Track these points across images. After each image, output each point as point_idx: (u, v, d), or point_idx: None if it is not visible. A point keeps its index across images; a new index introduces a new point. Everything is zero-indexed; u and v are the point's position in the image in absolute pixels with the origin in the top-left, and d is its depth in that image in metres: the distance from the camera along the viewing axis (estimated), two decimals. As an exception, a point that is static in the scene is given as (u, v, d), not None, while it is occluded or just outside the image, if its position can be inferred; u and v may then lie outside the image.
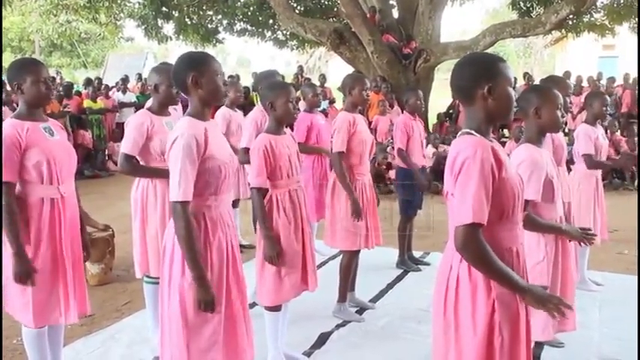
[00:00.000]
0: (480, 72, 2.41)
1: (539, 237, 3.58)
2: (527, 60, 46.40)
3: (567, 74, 17.56)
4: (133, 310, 5.34)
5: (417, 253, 6.83)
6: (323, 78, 16.71)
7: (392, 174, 10.09)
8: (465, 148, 2.34)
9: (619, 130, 13.18)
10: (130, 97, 16.31)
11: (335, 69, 33.44)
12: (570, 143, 9.51)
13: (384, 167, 11.16)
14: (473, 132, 2.41)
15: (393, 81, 14.22)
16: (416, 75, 14.41)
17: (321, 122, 6.54)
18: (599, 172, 5.72)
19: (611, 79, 16.57)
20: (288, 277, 4.06)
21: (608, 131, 12.60)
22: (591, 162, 5.49)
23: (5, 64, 19.79)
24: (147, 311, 4.64)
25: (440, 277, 2.55)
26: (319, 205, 6.30)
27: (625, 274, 6.39)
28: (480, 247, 2.30)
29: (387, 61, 14.35)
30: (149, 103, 4.44)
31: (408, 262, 6.60)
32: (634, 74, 16.65)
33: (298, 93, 6.61)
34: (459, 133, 2.47)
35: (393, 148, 6.95)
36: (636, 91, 15.16)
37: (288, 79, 19.13)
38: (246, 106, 10.40)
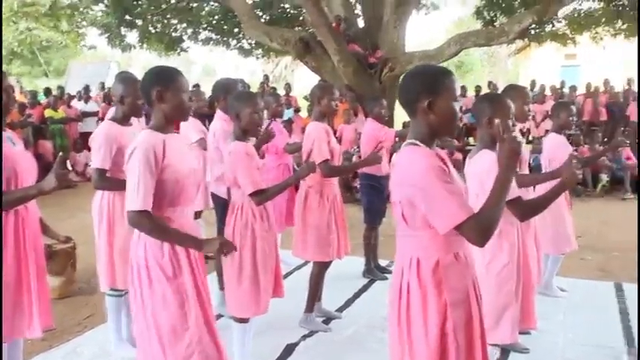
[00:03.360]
0: (421, 86, 2.43)
1: (501, 241, 3.63)
2: (491, 69, 46.95)
3: (533, 83, 17.88)
4: (95, 324, 5.26)
5: (383, 262, 6.84)
6: (288, 87, 16.71)
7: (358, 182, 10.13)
8: (413, 159, 2.38)
9: (582, 139, 13.40)
10: (93, 106, 16.11)
11: (301, 78, 33.55)
12: (536, 151, 9.67)
13: (351, 176, 11.19)
14: (418, 142, 2.45)
15: (358, 90, 14.24)
16: (382, 84, 14.43)
17: (284, 131, 6.60)
18: None
19: (573, 88, 16.88)
20: (265, 288, 4.08)
21: (573, 142, 12.82)
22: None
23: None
24: (109, 325, 4.59)
25: (393, 284, 2.59)
26: (286, 214, 6.31)
27: (588, 279, 6.49)
28: (493, 227, 2.30)
29: (353, 70, 14.37)
30: (111, 113, 4.41)
31: (375, 271, 6.62)
32: (595, 83, 16.99)
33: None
34: (404, 143, 2.51)
35: (359, 156, 6.98)
36: (594, 101, 15.48)
37: (254, 88, 19.10)
38: (210, 116, 10.34)
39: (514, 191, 3.27)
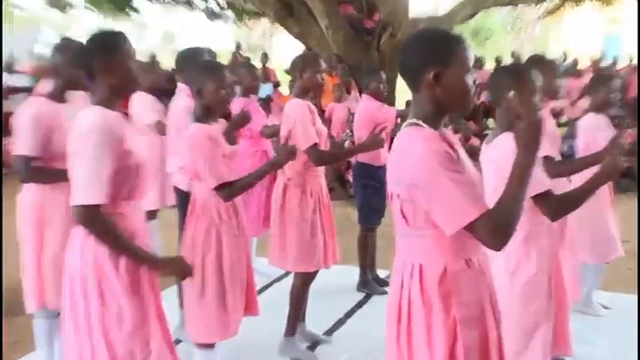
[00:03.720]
0: (427, 53, 2.44)
1: (528, 246, 3.62)
2: (516, 36, 47.18)
3: (565, 54, 17.93)
4: (22, 353, 5.20)
5: (382, 272, 6.82)
6: (265, 57, 16.71)
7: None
8: (414, 142, 2.38)
9: (627, 120, 13.46)
10: (21, 79, 15.98)
11: (281, 46, 33.48)
12: (569, 136, 9.68)
13: (344, 167, 11.19)
14: (420, 122, 2.46)
15: (351, 61, 14.27)
16: (380, 54, 14.47)
17: (260, 111, 6.57)
18: None
19: (615, 59, 17.00)
20: (234, 306, 4.08)
21: (616, 124, 12.86)
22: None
23: None
24: (39, 353, 4.54)
25: (391, 298, 2.60)
26: (264, 214, 6.28)
27: (637, 294, 6.48)
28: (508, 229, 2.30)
29: (345, 36, 14.40)
30: (43, 87, 4.37)
31: (372, 284, 6.61)
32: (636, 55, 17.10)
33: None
34: (405, 123, 2.52)
35: (353, 142, 6.96)
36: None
37: (224, 59, 18.97)
38: (170, 92, 10.29)
39: (543, 183, 3.27)
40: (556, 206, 3.31)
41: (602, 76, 6.19)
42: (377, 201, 6.54)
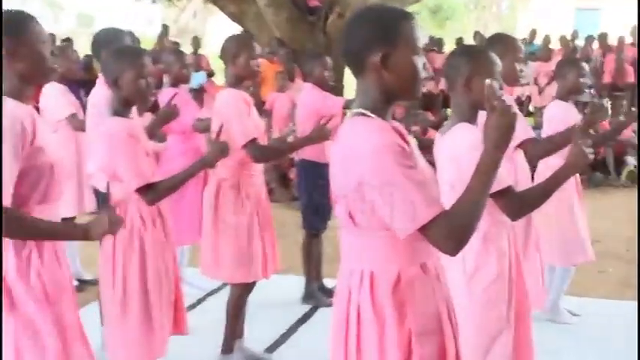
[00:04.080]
0: (372, 33, 2.45)
1: (487, 247, 3.65)
2: (479, 15, 47.45)
3: (533, 33, 18.12)
4: None
5: (330, 282, 6.85)
6: (197, 42, 16.61)
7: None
8: (361, 135, 2.39)
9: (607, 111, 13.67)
10: None
11: (216, 29, 33.33)
12: (537, 127, 9.83)
13: (286, 165, 11.22)
14: (367, 112, 2.47)
15: (295, 45, 14.22)
16: (326, 36, 14.45)
17: (192, 102, 6.56)
18: None
19: (590, 39, 17.23)
20: (161, 323, 4.05)
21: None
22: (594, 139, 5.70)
23: None
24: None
25: (336, 309, 2.60)
26: (194, 221, 6.26)
27: (609, 299, 6.66)
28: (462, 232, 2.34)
29: (287, 17, 14.33)
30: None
31: (318, 295, 6.64)
32: (620, 32, 17.30)
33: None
34: (349, 114, 2.53)
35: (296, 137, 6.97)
36: (617, 56, 15.78)
37: (149, 44, 18.87)
38: (87, 82, 10.23)
39: (504, 179, 3.27)
40: (517, 204, 3.34)
41: (569, 59, 6.33)
42: (323, 202, 6.49)
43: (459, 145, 3.46)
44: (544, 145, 4.62)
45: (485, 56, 3.62)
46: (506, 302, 3.67)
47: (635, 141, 12.48)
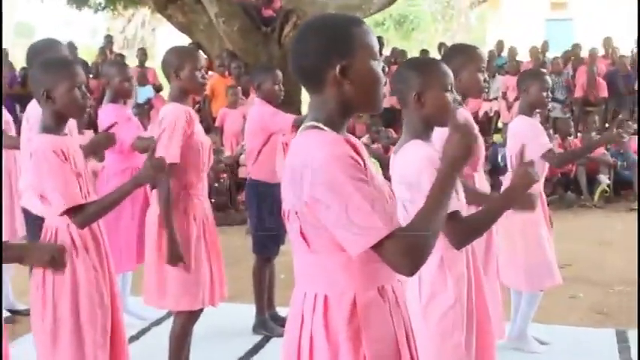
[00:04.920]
0: (326, 46, 2.46)
1: (443, 272, 3.65)
2: (447, 25, 47.78)
3: (500, 45, 18.29)
4: None
5: (283, 311, 6.82)
6: (143, 54, 16.52)
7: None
8: (313, 148, 2.40)
9: (572, 126, 13.75)
10: None
11: (165, 41, 33.23)
12: (505, 144, 9.93)
13: (231, 184, 11.25)
14: (320, 125, 2.47)
15: (248, 57, 14.22)
16: (282, 48, 14.48)
17: (133, 119, 6.57)
18: (541, 185, 5.90)
19: (567, 54, 17.48)
20: (97, 356, 4.01)
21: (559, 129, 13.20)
22: (560, 157, 5.73)
23: None
24: None
25: (289, 337, 2.60)
26: (137, 246, 6.22)
27: (581, 326, 6.68)
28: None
29: (239, 28, 14.33)
30: None
31: (270, 324, 6.61)
32: (592, 43, 17.53)
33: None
34: (301, 127, 2.53)
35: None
36: (589, 69, 15.96)
37: (90, 57, 18.80)
38: (23, 96, 10.20)
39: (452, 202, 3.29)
40: (463, 230, 3.34)
41: (531, 71, 6.38)
42: (275, 225, 6.39)
43: (411, 164, 3.47)
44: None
45: (436, 68, 3.63)
46: (464, 330, 3.66)
47: (609, 159, 12.61)
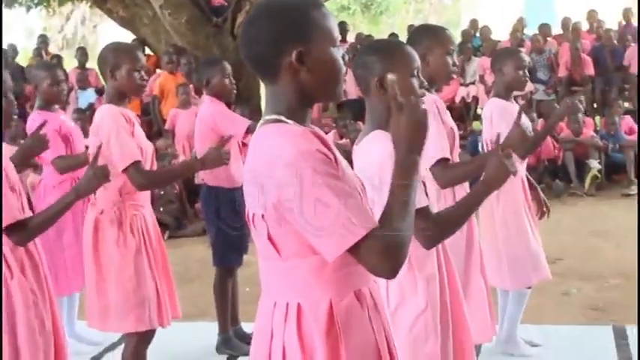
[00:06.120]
0: (280, 31, 2.47)
1: (412, 275, 3.65)
2: (419, 6, 47.76)
3: (474, 24, 18.32)
4: None
5: (249, 327, 6.80)
6: (84, 54, 16.41)
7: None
8: (278, 144, 2.40)
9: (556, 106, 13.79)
10: None
11: (108, 38, 33.08)
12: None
13: (182, 189, 11.23)
14: (282, 117, 2.48)
15: (199, 52, 14.16)
16: (236, 40, 14.42)
17: (71, 124, 6.53)
18: (523, 170, 5.91)
19: (545, 27, 17.52)
20: None
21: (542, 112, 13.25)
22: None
23: None
24: None
25: (257, 349, 2.60)
26: (78, 265, 6.19)
27: (575, 324, 6.73)
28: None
29: (188, 19, 14.25)
30: None
31: (235, 342, 6.59)
32: (575, 18, 17.59)
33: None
34: (261, 121, 2.53)
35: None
36: (572, 46, 15.97)
37: (23, 60, 18.69)
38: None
39: (419, 198, 3.18)
40: (433, 228, 3.31)
41: (504, 49, 6.39)
42: (236, 233, 6.41)
43: (374, 156, 3.45)
44: (452, 173, 4.39)
45: (399, 51, 3.63)
46: (438, 336, 3.65)
47: (598, 141, 12.67)
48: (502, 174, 3.20)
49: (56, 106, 6.46)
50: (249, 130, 6.38)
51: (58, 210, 4.04)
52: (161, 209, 10.72)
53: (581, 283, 7.81)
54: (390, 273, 2.36)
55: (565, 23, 17.56)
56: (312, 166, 2.32)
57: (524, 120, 5.26)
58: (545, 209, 6.10)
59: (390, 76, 2.48)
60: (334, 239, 2.32)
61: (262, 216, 2.44)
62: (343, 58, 2.57)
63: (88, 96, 14.45)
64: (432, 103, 4.31)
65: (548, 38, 17.23)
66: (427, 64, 4.41)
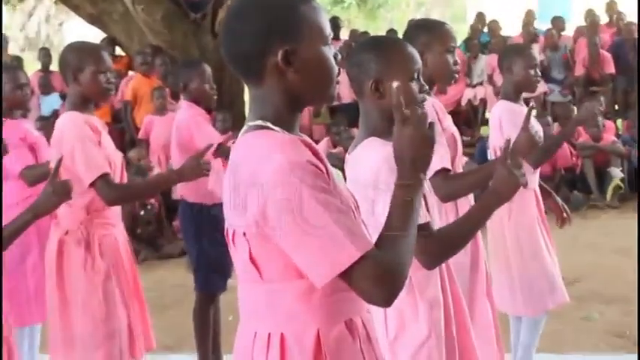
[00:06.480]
0: (266, 27, 2.46)
1: (413, 300, 3.63)
2: (421, 0, 47.92)
3: (481, 17, 18.31)
4: None
5: (231, 359, 6.80)
6: (47, 55, 16.38)
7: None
8: (264, 154, 2.38)
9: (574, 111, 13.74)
10: None
11: (75, 37, 33.14)
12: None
13: (157, 204, 11.21)
14: (268, 124, 2.46)
15: (176, 52, 14.18)
16: (216, 38, 14.43)
17: (36, 134, 6.52)
18: (535, 182, 5.87)
19: (559, 21, 17.40)
20: None
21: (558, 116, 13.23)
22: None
23: None
24: None
25: None
26: (40, 294, 6.18)
27: (598, 353, 6.74)
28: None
29: (163, 16, 14.24)
30: None
31: (217, 376, 6.61)
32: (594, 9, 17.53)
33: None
34: (245, 128, 2.52)
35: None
36: (589, 41, 15.91)
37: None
38: None
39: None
40: (435, 247, 3.32)
41: (512, 46, 6.36)
42: (219, 255, 6.39)
43: (368, 166, 3.44)
44: (454, 185, 4.39)
45: (398, 50, 3.61)
46: None
47: (620, 147, 12.63)
48: (511, 185, 3.18)
49: (18, 113, 6.43)
50: (221, 154, 6.41)
51: (12, 231, 4.04)
52: (138, 230, 10.73)
53: (604, 307, 7.79)
54: (386, 301, 2.34)
55: (587, 15, 17.22)
56: (302, 179, 2.30)
57: (534, 123, 5.23)
58: (565, 215, 6.05)
59: (395, 84, 2.46)
60: (325, 261, 2.30)
61: (244, 233, 2.43)
62: (335, 57, 2.55)
63: (51, 102, 14.34)
64: (430, 106, 4.29)
65: (563, 33, 17.14)
66: (425, 63, 4.30)
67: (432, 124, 2.44)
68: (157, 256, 10.71)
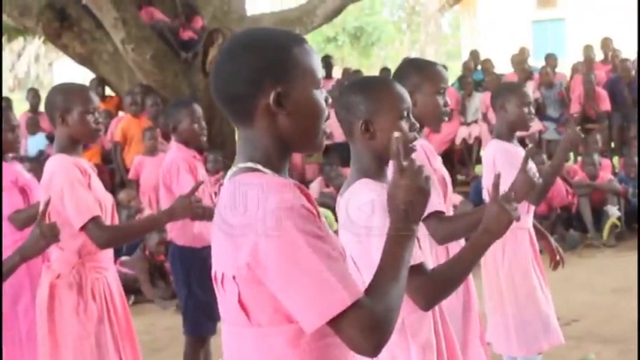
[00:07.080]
0: (257, 68, 2.46)
1: (406, 343, 3.62)
2: (414, 36, 47.87)
3: (474, 55, 18.32)
4: None
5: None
6: (35, 96, 16.33)
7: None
8: (255, 197, 2.38)
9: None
10: None
11: (65, 77, 33.11)
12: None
13: (163, 257, 11.16)
14: (259, 166, 2.47)
15: (166, 91, 14.12)
16: (207, 77, 14.40)
17: (27, 176, 6.51)
18: (529, 220, 5.88)
19: (551, 58, 17.41)
20: None
21: (549, 154, 13.21)
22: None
23: None
24: None
25: None
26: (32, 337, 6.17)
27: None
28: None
29: (153, 55, 14.18)
30: None
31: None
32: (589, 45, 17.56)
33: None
34: (234, 169, 2.54)
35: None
36: (584, 78, 15.89)
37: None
38: None
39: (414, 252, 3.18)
40: (428, 288, 3.30)
41: (505, 84, 6.34)
42: (207, 298, 6.32)
43: (357, 210, 3.42)
44: (449, 228, 4.37)
45: (387, 90, 3.62)
46: None
47: (617, 185, 12.65)
48: (503, 221, 3.17)
49: (10, 156, 6.43)
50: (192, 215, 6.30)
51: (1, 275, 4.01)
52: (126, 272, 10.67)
53: (601, 347, 7.76)
54: (373, 351, 2.34)
55: (585, 51, 17.30)
56: (295, 224, 2.31)
57: (531, 165, 5.29)
58: (558, 258, 6.03)
59: (397, 134, 2.46)
60: (315, 307, 2.30)
61: (233, 277, 2.42)
62: (326, 100, 2.56)
63: (37, 142, 14.27)
64: (420, 148, 4.27)
65: (557, 70, 17.19)
66: (415, 104, 4.25)
67: (427, 178, 2.47)
68: (149, 299, 10.67)
